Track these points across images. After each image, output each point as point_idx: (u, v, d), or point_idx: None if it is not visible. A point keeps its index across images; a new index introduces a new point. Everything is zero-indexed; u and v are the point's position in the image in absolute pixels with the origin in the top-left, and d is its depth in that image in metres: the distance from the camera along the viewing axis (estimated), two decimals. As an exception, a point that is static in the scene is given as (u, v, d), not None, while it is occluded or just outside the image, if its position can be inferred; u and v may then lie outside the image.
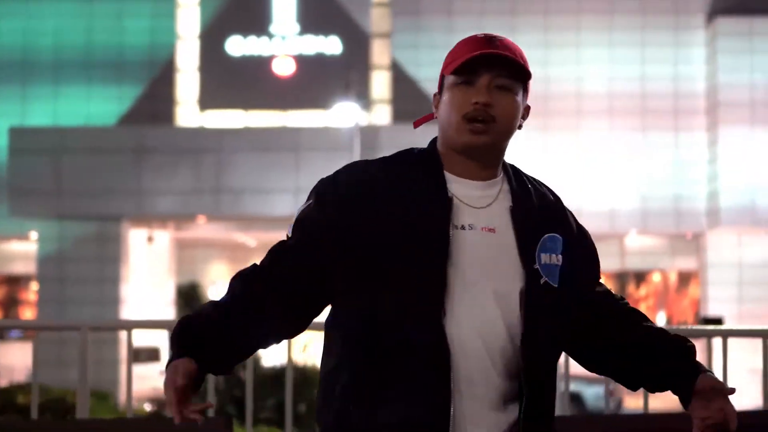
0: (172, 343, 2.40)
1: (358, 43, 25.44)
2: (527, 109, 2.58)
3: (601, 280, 2.68)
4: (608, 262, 26.44)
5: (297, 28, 25.48)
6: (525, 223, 2.45)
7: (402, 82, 25.09)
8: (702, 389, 2.48)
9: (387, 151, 2.69)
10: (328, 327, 2.50)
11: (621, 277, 26.79)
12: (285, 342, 2.89)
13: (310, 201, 2.48)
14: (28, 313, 26.12)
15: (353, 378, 2.38)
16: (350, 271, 2.39)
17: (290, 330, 2.51)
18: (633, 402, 18.65)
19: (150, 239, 24.72)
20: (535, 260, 2.42)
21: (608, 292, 2.67)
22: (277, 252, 2.47)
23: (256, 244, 26.46)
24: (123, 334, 18.48)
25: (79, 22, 25.61)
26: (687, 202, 24.81)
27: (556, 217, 2.54)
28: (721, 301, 24.49)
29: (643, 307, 26.95)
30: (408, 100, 24.13)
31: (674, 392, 2.54)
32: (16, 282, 27.04)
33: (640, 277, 27.01)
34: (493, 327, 2.37)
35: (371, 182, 2.44)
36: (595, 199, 24.49)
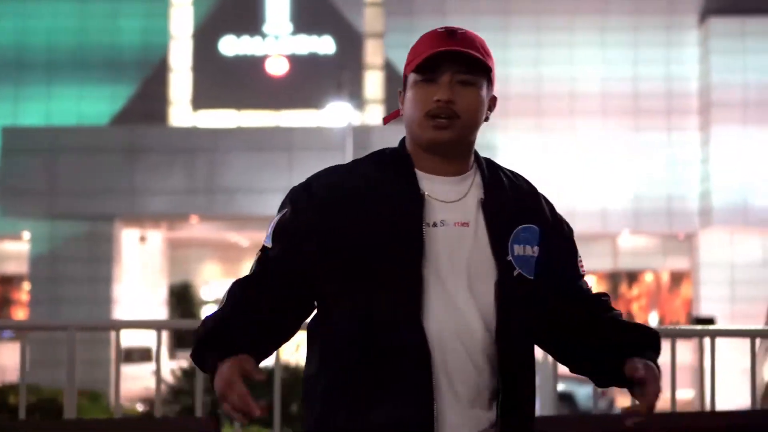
0: (200, 358, 2.41)
1: (351, 42, 25.44)
2: (493, 100, 2.56)
3: (583, 271, 2.62)
4: (601, 262, 26.47)
5: (290, 27, 25.48)
6: (497, 215, 2.43)
7: (395, 82, 25.08)
8: (630, 374, 2.41)
9: (380, 151, 2.69)
10: (310, 329, 2.51)
11: (613, 277, 26.82)
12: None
13: (285, 209, 2.47)
14: (20, 314, 26.09)
15: (334, 380, 2.39)
16: (330, 274, 2.40)
17: (290, 329, 2.51)
18: (627, 402, 18.66)
19: (143, 239, 24.71)
20: (508, 252, 2.41)
21: (589, 289, 2.62)
22: (261, 262, 2.47)
23: (249, 244, 26.46)
24: (120, 334, 18.37)
25: (73, 21, 25.59)
26: (679, 202, 24.84)
27: (532, 208, 2.52)
28: (714, 300, 24.53)
29: (635, 307, 27.00)
30: (401, 100, 24.13)
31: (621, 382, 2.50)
32: (8, 282, 27.01)
33: (633, 277, 27.04)
34: (469, 323, 2.37)
35: (343, 186, 2.44)
36: (587, 199, 24.51)
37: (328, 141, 21.78)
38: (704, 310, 24.16)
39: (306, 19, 25.33)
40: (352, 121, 21.73)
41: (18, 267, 25.61)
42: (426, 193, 2.43)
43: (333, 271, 2.39)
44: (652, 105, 25.17)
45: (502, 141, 23.98)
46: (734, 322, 22.91)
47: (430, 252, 2.37)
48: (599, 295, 2.62)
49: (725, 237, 24.70)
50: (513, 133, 24.55)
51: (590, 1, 25.45)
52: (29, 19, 25.60)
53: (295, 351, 13.12)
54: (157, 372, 5.02)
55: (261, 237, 2.61)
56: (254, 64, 25.34)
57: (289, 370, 11.40)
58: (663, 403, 5.11)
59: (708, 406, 4.96)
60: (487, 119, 2.52)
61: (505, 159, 24.60)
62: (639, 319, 26.62)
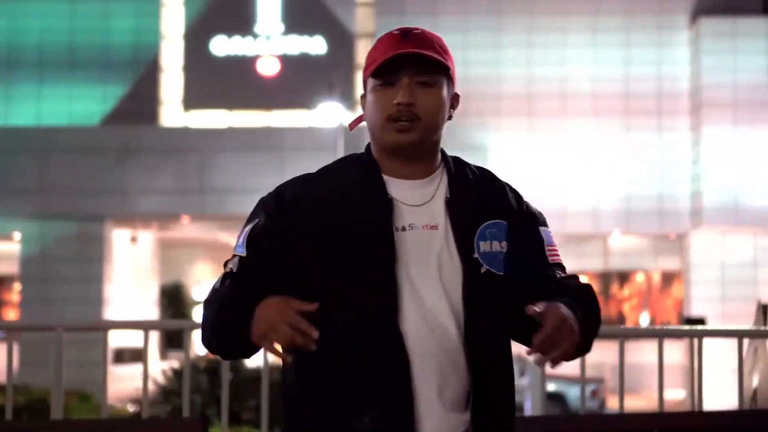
0: (227, 332, 2.38)
1: (342, 43, 25.44)
2: (455, 97, 2.52)
3: (553, 258, 2.57)
4: (591, 262, 26.50)
5: (281, 28, 25.47)
6: (462, 213, 2.43)
7: (386, 83, 25.07)
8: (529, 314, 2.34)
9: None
10: None
11: (604, 277, 26.84)
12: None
13: (258, 219, 2.46)
14: (11, 314, 26.03)
15: (314, 386, 2.38)
16: (306, 280, 2.39)
17: None
18: (627, 403, 18.68)
19: (134, 239, 24.69)
20: (474, 250, 2.40)
21: (557, 275, 2.55)
22: (239, 272, 2.45)
23: (240, 244, 26.40)
24: (108, 335, 18.38)
25: (64, 21, 25.54)
26: (670, 202, 24.87)
27: (499, 203, 2.51)
28: (705, 301, 24.55)
29: (626, 308, 27.02)
30: (392, 100, 24.11)
31: None
32: (-1, 282, 26.97)
33: (624, 277, 27.06)
34: (442, 324, 2.37)
35: (313, 194, 2.44)
36: (578, 199, 24.52)
37: (320, 141, 21.78)
38: (695, 310, 24.19)
39: (297, 20, 25.32)
40: (344, 121, 21.70)
41: (9, 267, 25.55)
42: (394, 197, 2.42)
43: (307, 278, 2.39)
44: (643, 105, 25.20)
45: (493, 141, 24.00)
46: (725, 322, 22.93)
47: (401, 256, 2.37)
48: (565, 277, 2.56)
49: (716, 237, 24.74)
50: (504, 134, 24.56)
51: (582, 1, 25.47)
52: (20, 18, 25.56)
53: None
54: (145, 372, 5.02)
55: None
56: (245, 64, 25.33)
57: (277, 371, 11.40)
58: (651, 403, 5.11)
59: (702, 407, 4.97)
60: (450, 118, 2.50)
61: (497, 159, 24.65)
62: (630, 320, 26.66)
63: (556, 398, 20.13)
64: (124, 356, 21.24)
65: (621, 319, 26.78)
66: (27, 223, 23.05)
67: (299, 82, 24.77)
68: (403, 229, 2.40)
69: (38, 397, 14.23)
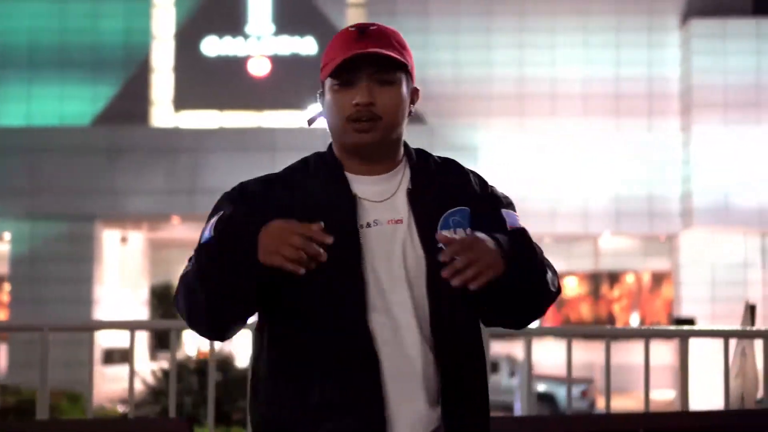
0: (227, 248, 2.29)
1: (333, 43, 25.43)
2: (415, 92, 2.49)
3: (511, 227, 2.50)
4: (582, 263, 26.54)
5: (272, 28, 25.46)
6: (424, 205, 2.40)
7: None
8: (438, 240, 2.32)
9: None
10: (257, 335, 2.48)
11: (594, 278, 26.88)
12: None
13: (223, 210, 2.40)
14: (1, 315, 25.99)
15: (283, 388, 2.36)
16: (273, 278, 2.32)
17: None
18: (615, 403, 18.69)
19: (124, 240, 24.66)
20: (437, 239, 2.36)
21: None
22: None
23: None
24: (97, 335, 18.38)
25: (54, 21, 25.50)
26: (661, 202, 24.91)
27: (464, 192, 2.48)
28: (695, 301, 24.59)
29: (616, 308, 27.06)
30: (383, 100, 24.12)
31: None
32: (-11, 282, 26.91)
33: (614, 278, 27.10)
34: (410, 320, 2.35)
35: (276, 194, 2.42)
36: (569, 200, 24.55)
37: (311, 141, 21.71)
38: (685, 310, 24.23)
39: (288, 20, 25.31)
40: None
41: (-1, 268, 25.52)
42: (357, 194, 2.41)
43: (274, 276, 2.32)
44: (633, 106, 25.24)
45: (484, 142, 24.01)
46: (715, 322, 22.98)
47: (367, 254, 2.36)
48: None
49: (706, 238, 24.78)
50: (495, 134, 24.57)
51: (572, 2, 25.51)
52: (11, 19, 25.50)
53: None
54: (131, 372, 5.02)
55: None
56: (236, 64, 25.31)
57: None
58: (641, 403, 5.13)
59: (688, 407, 4.98)
60: (410, 113, 2.47)
61: (488, 160, 24.66)
62: (620, 321, 26.71)
63: (546, 399, 20.16)
64: (114, 357, 21.23)
65: (611, 319, 26.83)
66: (17, 223, 23.01)
67: (290, 82, 24.76)
68: (368, 225, 2.39)
69: (28, 397, 14.21)
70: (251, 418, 2.45)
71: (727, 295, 24.26)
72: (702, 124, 24.25)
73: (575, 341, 5.23)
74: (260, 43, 25.39)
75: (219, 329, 2.41)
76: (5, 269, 24.11)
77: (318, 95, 2.53)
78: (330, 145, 2.53)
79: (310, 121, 2.60)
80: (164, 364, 15.63)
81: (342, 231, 2.34)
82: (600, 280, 26.96)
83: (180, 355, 17.56)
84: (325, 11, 25.28)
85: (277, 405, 2.37)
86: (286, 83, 24.88)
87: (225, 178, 22.50)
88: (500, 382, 21.25)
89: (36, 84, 25.42)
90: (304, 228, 2.23)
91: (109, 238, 23.90)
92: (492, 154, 24.09)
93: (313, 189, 2.42)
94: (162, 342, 24.09)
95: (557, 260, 26.86)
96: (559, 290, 2.52)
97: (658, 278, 26.81)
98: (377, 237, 2.38)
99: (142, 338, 23.17)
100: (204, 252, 2.35)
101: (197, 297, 2.34)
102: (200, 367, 14.07)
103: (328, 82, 2.44)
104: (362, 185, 2.43)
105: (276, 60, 25.26)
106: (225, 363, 14.23)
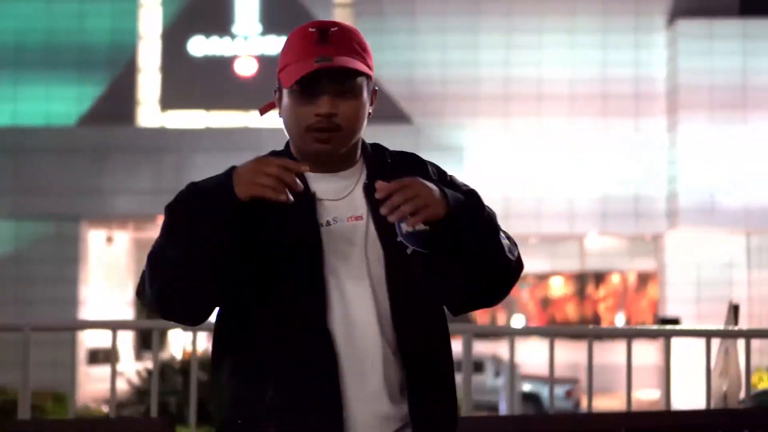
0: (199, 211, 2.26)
1: (320, 43, 25.42)
2: (374, 93, 2.46)
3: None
4: (568, 263, 26.57)
5: (259, 28, 25.45)
6: (381, 199, 2.30)
7: (364, 83, 25.07)
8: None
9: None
10: (218, 334, 2.44)
11: (580, 277, 26.92)
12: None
13: (181, 201, 2.34)
14: (-13, 314, 25.92)
15: (245, 388, 2.34)
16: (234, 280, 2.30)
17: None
18: (600, 403, 18.71)
19: (109, 240, 24.61)
20: (396, 233, 2.35)
21: None
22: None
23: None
24: (81, 335, 18.38)
25: (40, 21, 25.44)
26: (646, 203, 24.96)
27: None
28: (680, 301, 24.66)
29: (601, 308, 27.10)
30: (370, 100, 24.15)
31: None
32: (-25, 283, 26.81)
33: (600, 278, 27.14)
34: (371, 318, 2.33)
35: (230, 192, 2.30)
36: (555, 200, 24.58)
37: (297, 142, 21.77)
38: (670, 310, 24.29)
39: (275, 20, 25.30)
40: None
41: (-16, 268, 25.44)
42: (316, 193, 2.39)
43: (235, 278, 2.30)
44: (620, 106, 25.29)
45: (470, 142, 24.03)
46: (700, 322, 23.02)
47: (327, 252, 2.34)
48: None
49: (692, 238, 24.84)
50: (482, 134, 24.59)
51: (559, 2, 25.54)
52: (-4, 18, 25.46)
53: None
54: (113, 372, 5.02)
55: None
56: (223, 64, 25.29)
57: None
58: (623, 403, 5.14)
59: (671, 406, 5.00)
60: (369, 115, 2.44)
61: (474, 160, 24.69)
62: (605, 321, 26.75)
63: (532, 399, 20.18)
64: (99, 357, 21.17)
65: (596, 319, 26.87)
66: (2, 222, 22.95)
67: (277, 82, 24.75)
68: (328, 224, 2.37)
69: (12, 398, 14.16)
70: (214, 419, 2.43)
71: (713, 295, 24.33)
72: (688, 124, 24.32)
73: (560, 341, 5.24)
74: (247, 43, 25.37)
75: (191, 302, 2.32)
76: (-9, 269, 24.06)
77: (274, 92, 2.49)
78: (287, 143, 2.49)
79: (263, 110, 2.57)
80: (149, 364, 15.59)
81: (302, 230, 2.33)
82: (586, 280, 27.00)
83: (165, 355, 17.52)
84: (312, 11, 25.26)
85: (238, 406, 2.34)
86: (273, 83, 24.77)
87: (211, 178, 22.52)
88: (485, 382, 21.26)
89: (22, 84, 25.36)
90: (279, 159, 2.22)
91: (94, 238, 23.85)
92: (478, 153, 24.10)
93: None
94: (147, 342, 24.02)
95: (543, 260, 26.99)
96: (519, 261, 2.47)
97: (644, 278, 26.86)
98: (337, 235, 2.36)
99: (127, 338, 23.13)
100: (173, 209, 2.31)
101: (166, 266, 2.28)
102: (185, 367, 14.04)
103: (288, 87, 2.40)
104: (320, 183, 2.40)
105: (263, 60, 25.25)
106: (208, 363, 14.20)
